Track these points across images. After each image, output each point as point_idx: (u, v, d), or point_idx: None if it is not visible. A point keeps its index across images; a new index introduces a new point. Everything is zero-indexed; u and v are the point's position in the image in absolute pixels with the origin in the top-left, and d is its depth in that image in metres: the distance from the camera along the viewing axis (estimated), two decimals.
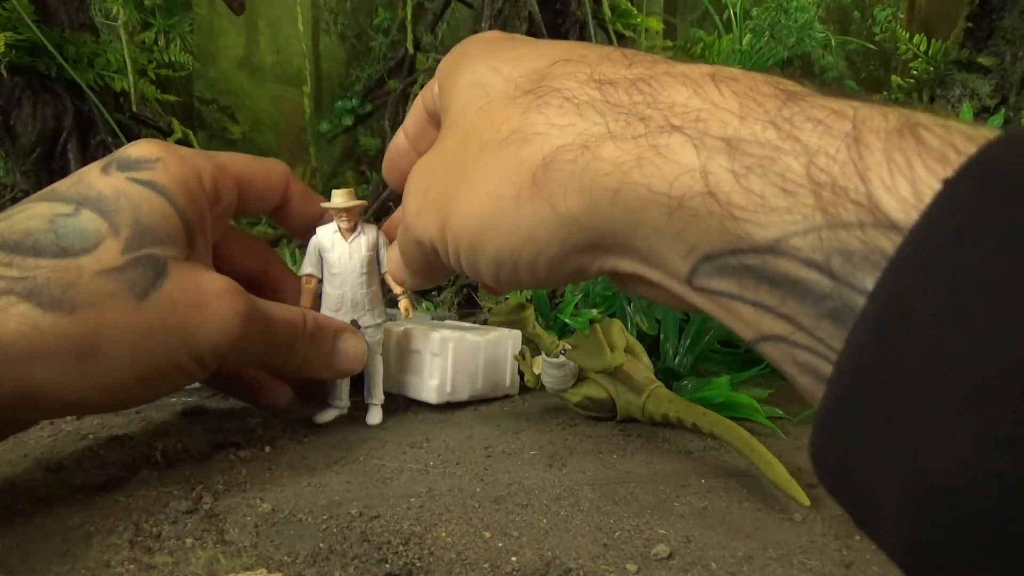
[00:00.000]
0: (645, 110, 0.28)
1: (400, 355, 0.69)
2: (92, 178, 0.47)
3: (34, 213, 0.45)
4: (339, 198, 0.59)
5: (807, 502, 0.47)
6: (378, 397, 0.64)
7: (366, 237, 0.61)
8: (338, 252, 0.60)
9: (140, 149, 0.50)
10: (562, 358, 0.62)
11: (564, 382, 0.64)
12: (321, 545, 0.42)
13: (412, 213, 0.38)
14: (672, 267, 0.28)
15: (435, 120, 0.45)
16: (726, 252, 0.25)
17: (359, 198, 0.60)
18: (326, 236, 0.60)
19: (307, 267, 0.60)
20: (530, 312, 0.62)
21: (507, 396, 0.72)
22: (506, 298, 0.86)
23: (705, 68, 0.29)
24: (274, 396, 0.63)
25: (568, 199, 0.29)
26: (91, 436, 0.60)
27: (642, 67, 0.30)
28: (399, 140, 0.49)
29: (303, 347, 0.55)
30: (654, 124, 0.27)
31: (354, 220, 0.60)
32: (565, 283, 0.44)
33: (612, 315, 0.79)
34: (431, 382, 0.66)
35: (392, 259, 0.48)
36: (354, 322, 0.60)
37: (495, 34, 0.41)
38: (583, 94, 0.30)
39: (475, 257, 0.34)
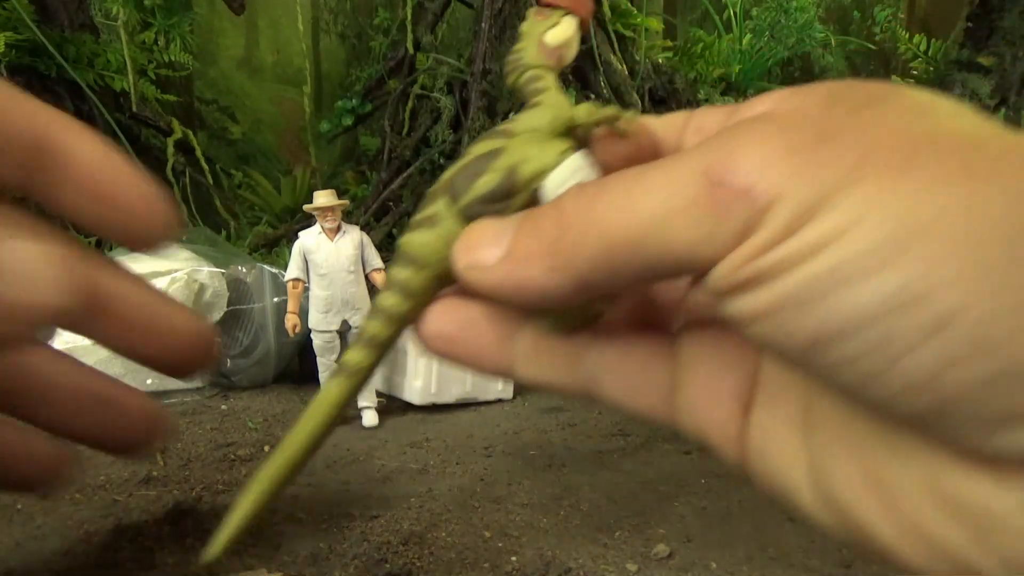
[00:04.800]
0: None
1: (390, 354, 0.69)
2: None
3: None
4: (322, 198, 0.59)
5: None
6: (369, 399, 0.64)
7: (351, 236, 0.61)
8: (324, 252, 0.60)
9: None
10: None
11: None
12: (321, 545, 0.42)
13: None
14: None
15: None
16: None
17: (342, 199, 0.60)
18: (310, 238, 0.60)
19: (293, 271, 0.60)
20: None
21: (500, 400, 0.72)
22: None
23: None
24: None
25: None
26: None
27: None
28: None
29: None
30: None
31: (338, 219, 0.60)
32: None
33: None
34: (415, 383, 0.66)
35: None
36: (344, 323, 0.60)
37: None
38: None
39: None
